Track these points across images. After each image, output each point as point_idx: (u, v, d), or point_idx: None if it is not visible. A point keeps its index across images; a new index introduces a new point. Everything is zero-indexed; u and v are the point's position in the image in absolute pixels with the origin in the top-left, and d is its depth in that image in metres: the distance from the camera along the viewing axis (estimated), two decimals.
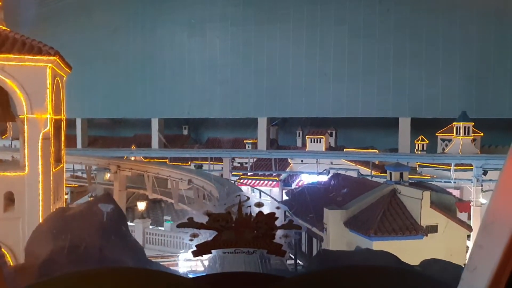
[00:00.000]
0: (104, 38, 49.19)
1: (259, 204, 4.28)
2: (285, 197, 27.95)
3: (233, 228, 3.89)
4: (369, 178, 30.63)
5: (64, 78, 17.95)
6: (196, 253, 3.97)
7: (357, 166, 35.17)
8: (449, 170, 32.84)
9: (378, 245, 18.01)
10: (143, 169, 23.43)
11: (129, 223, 28.07)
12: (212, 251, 3.93)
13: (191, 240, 4.02)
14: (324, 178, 30.30)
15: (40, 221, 14.76)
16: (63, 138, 17.72)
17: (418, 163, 35.36)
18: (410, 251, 17.70)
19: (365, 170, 34.68)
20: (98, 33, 49.12)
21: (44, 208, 14.78)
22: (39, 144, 14.45)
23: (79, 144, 51.26)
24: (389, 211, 18.69)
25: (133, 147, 45.72)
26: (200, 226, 3.97)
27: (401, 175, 19.95)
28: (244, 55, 44.46)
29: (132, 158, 40.49)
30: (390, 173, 20.13)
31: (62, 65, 16.12)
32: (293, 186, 34.83)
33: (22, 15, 52.46)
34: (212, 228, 3.91)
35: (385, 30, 40.63)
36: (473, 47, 39.09)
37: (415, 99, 40.48)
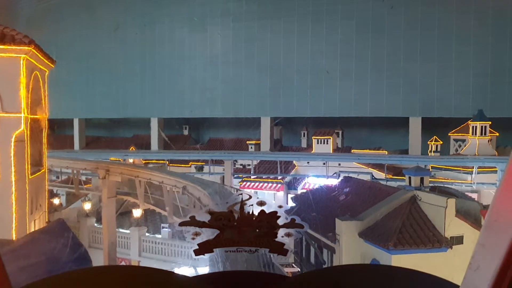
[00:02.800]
0: (103, 36, 47.62)
1: (261, 203, 4.15)
2: (291, 203, 25.94)
3: (235, 226, 3.94)
4: (383, 182, 28.50)
5: (46, 73, 16.07)
6: (198, 252, 3.97)
7: (369, 169, 33.04)
8: (466, 172, 30.83)
9: (398, 258, 16.22)
10: (134, 174, 21.45)
11: (124, 231, 26.44)
12: (214, 250, 3.98)
13: (193, 238, 3.99)
14: (333, 182, 28.24)
15: (14, 234, 13.00)
16: (44, 140, 15.87)
17: (432, 165, 33.31)
18: (432, 265, 15.91)
19: (376, 173, 32.59)
20: (97, 31, 47.57)
21: (18, 219, 12.97)
22: (12, 147, 12.60)
23: (76, 145, 49.72)
24: (409, 220, 16.76)
25: (132, 148, 43.91)
26: (202, 224, 3.97)
27: (421, 180, 17.98)
28: (246, 52, 42.68)
29: (131, 161, 38.61)
30: (409, 178, 18.15)
31: (41, 57, 14.24)
32: (299, 189, 32.72)
33: (22, 12, 51.08)
34: (214, 226, 3.94)
35: (395, 25, 38.77)
36: (487, 43, 37.22)
37: (426, 97, 38.60)
